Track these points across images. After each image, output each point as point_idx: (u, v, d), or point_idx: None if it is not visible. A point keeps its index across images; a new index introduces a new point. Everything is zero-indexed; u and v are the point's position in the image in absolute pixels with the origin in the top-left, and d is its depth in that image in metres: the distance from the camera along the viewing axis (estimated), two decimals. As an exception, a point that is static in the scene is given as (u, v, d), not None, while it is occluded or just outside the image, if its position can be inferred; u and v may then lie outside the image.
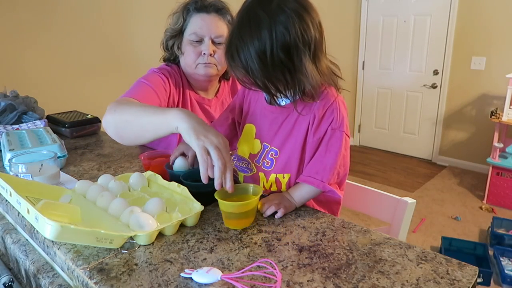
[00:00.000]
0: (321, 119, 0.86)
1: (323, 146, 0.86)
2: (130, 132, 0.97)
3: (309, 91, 0.82)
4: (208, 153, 0.79)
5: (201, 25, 1.14)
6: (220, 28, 1.16)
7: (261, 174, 0.93)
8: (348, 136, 0.88)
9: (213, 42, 1.16)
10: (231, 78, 1.37)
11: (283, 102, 0.90)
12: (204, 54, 1.15)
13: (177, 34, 1.18)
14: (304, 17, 0.78)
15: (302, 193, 0.87)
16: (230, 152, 0.87)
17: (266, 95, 0.93)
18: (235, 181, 0.98)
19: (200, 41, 1.15)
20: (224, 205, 0.77)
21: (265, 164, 0.93)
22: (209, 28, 1.14)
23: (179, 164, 0.95)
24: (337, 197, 0.95)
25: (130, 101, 1.03)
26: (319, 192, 0.88)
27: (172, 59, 1.26)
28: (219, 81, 1.33)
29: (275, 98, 0.86)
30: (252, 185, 0.85)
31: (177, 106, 1.22)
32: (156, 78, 1.17)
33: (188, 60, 1.18)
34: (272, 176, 0.91)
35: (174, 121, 0.84)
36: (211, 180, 0.86)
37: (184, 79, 1.26)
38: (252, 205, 0.77)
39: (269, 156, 0.92)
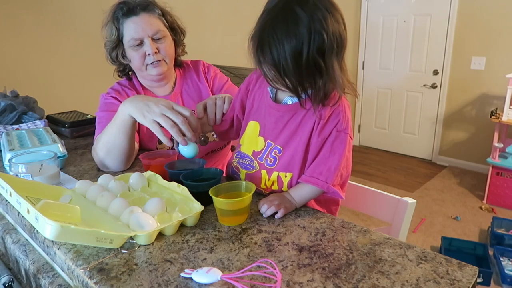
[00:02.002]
0: (326, 120, 0.86)
1: (327, 147, 0.86)
2: (112, 149, 1.05)
3: (332, 95, 0.82)
4: (160, 123, 0.92)
5: (135, 28, 1.15)
6: (154, 25, 1.17)
7: (263, 172, 0.93)
8: (352, 139, 0.89)
9: (153, 39, 1.17)
10: (184, 65, 1.36)
11: (290, 100, 0.90)
12: (149, 54, 1.17)
13: (116, 45, 1.19)
14: (336, 16, 0.77)
15: (303, 193, 0.87)
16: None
17: (271, 92, 0.93)
18: (235, 179, 0.99)
19: (140, 44, 1.16)
20: (218, 202, 0.77)
21: (268, 161, 0.93)
22: (144, 29, 1.15)
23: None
24: (337, 198, 0.95)
25: (101, 134, 1.11)
26: (321, 192, 0.88)
27: (122, 70, 1.28)
28: (174, 69, 1.34)
29: (300, 99, 0.84)
30: (244, 182, 0.86)
31: None
32: (109, 103, 1.21)
33: (136, 64, 1.20)
34: (274, 174, 0.92)
35: (125, 112, 0.99)
36: (211, 180, 0.86)
37: (139, 87, 1.28)
38: (246, 202, 0.78)
39: (272, 153, 0.92)
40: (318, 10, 0.74)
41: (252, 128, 0.97)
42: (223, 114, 1.05)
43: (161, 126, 0.94)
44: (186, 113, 0.94)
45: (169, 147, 0.98)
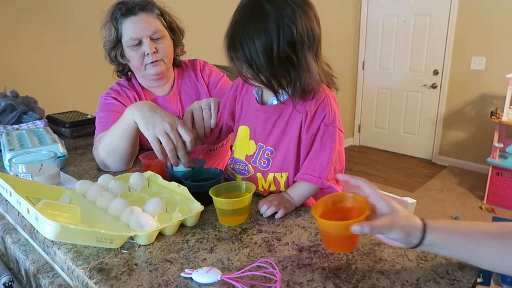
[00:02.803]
0: (313, 115, 0.86)
1: (317, 142, 0.87)
2: (115, 151, 1.05)
3: (309, 88, 0.82)
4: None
5: (133, 28, 1.15)
6: (153, 25, 1.17)
7: (259, 175, 0.93)
8: (342, 131, 0.89)
9: (151, 39, 1.17)
10: (183, 65, 1.35)
11: (275, 101, 0.90)
12: (148, 54, 1.17)
13: (115, 45, 1.19)
14: (308, 12, 0.78)
15: (300, 192, 0.87)
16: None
17: (257, 95, 0.93)
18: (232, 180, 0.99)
19: (139, 43, 1.16)
20: (218, 202, 0.77)
21: (262, 164, 0.93)
22: (142, 29, 1.15)
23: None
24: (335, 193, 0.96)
25: (104, 134, 1.10)
26: (318, 189, 0.88)
27: (121, 70, 1.27)
28: (173, 69, 1.33)
29: (277, 94, 0.85)
30: (244, 182, 0.86)
31: None
32: (109, 103, 1.21)
33: (135, 64, 1.20)
34: (270, 176, 0.92)
35: (130, 117, 0.99)
36: (211, 180, 0.86)
37: (138, 87, 1.28)
38: (246, 202, 0.78)
39: (265, 155, 0.93)
40: (287, 5, 0.75)
41: (242, 132, 0.97)
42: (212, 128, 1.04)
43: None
44: (187, 138, 0.93)
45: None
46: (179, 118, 1.29)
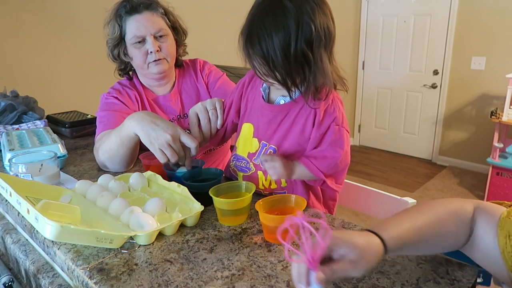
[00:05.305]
0: (322, 116, 0.86)
1: (326, 143, 0.87)
2: (114, 157, 1.05)
3: (322, 87, 0.82)
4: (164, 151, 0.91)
5: (137, 26, 1.15)
6: (157, 23, 1.17)
7: (260, 173, 0.93)
8: (348, 132, 0.89)
9: (155, 37, 1.17)
10: (184, 65, 1.36)
11: (283, 100, 0.90)
12: (151, 52, 1.17)
13: (118, 42, 1.19)
14: (325, 10, 0.78)
15: (300, 171, 0.88)
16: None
17: (264, 93, 0.93)
18: (233, 179, 0.99)
19: (142, 41, 1.16)
20: (218, 202, 0.77)
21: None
22: (146, 27, 1.15)
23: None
24: (334, 193, 0.96)
25: (104, 135, 1.09)
26: (313, 177, 0.89)
27: (123, 68, 1.27)
28: (174, 69, 1.34)
29: (290, 92, 0.84)
30: (244, 182, 0.86)
31: None
32: (110, 103, 1.21)
33: (138, 62, 1.19)
34: None
35: (130, 129, 0.96)
36: (211, 180, 0.86)
37: (140, 86, 1.28)
38: (246, 202, 0.78)
39: (268, 154, 0.93)
40: (305, 2, 0.75)
41: (246, 130, 0.97)
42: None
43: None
44: (193, 145, 0.93)
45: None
46: (179, 116, 1.29)
